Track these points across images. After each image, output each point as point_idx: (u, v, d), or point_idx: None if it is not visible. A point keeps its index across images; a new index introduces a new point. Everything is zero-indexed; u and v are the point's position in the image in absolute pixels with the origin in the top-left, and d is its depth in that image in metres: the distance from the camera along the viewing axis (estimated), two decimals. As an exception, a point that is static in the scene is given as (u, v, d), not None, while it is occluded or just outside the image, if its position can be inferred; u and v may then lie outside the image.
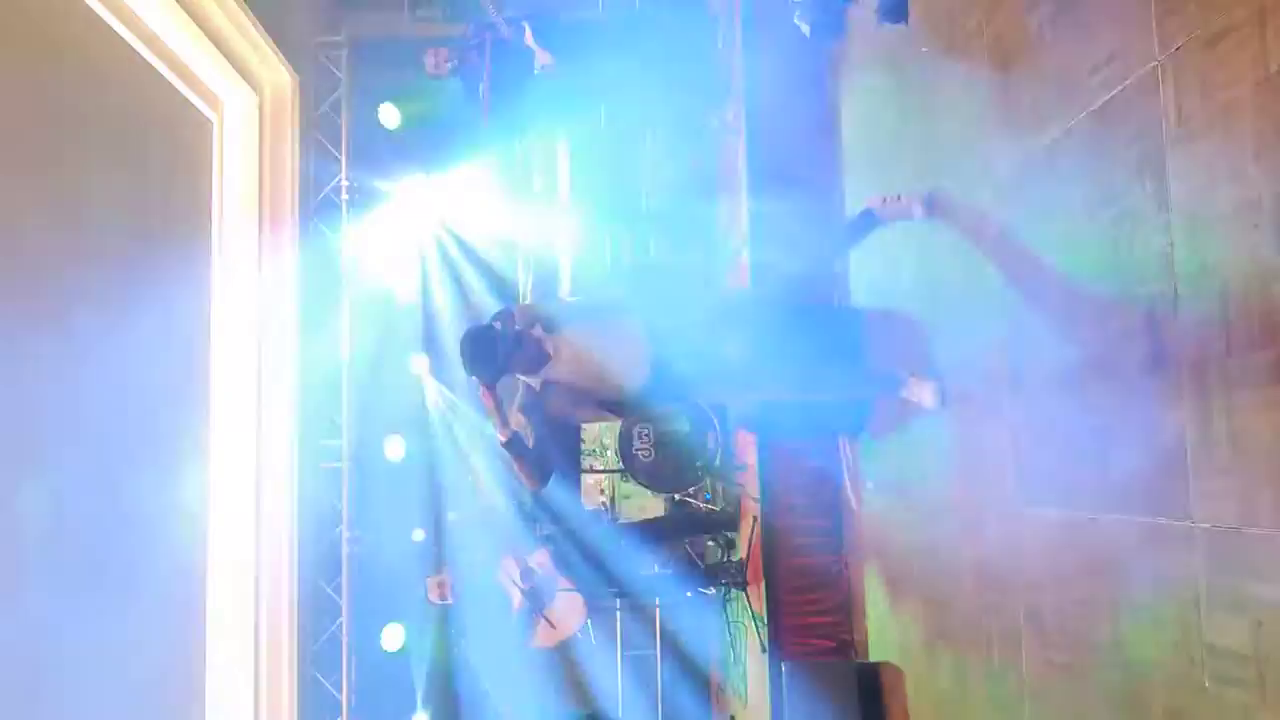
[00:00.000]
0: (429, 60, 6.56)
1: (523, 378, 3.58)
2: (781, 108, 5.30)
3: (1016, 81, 3.10)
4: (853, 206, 4.74)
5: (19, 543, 4.75)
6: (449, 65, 6.52)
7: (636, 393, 3.61)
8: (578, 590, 5.51)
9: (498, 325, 3.47)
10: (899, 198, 3.72)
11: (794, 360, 3.91)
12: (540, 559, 5.54)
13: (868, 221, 3.86)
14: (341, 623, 7.91)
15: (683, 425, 6.48)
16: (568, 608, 5.49)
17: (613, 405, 3.68)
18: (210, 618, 6.74)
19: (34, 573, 4.84)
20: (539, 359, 3.52)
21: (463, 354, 3.40)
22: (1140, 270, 2.45)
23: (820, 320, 4.77)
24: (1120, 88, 2.52)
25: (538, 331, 3.55)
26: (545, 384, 3.56)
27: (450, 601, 5.62)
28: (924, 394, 3.72)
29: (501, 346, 3.40)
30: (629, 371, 3.57)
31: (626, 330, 3.61)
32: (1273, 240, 2.01)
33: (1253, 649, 2.09)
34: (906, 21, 4.65)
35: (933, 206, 3.67)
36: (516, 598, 5.44)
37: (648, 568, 7.14)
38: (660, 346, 3.59)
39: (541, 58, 6.29)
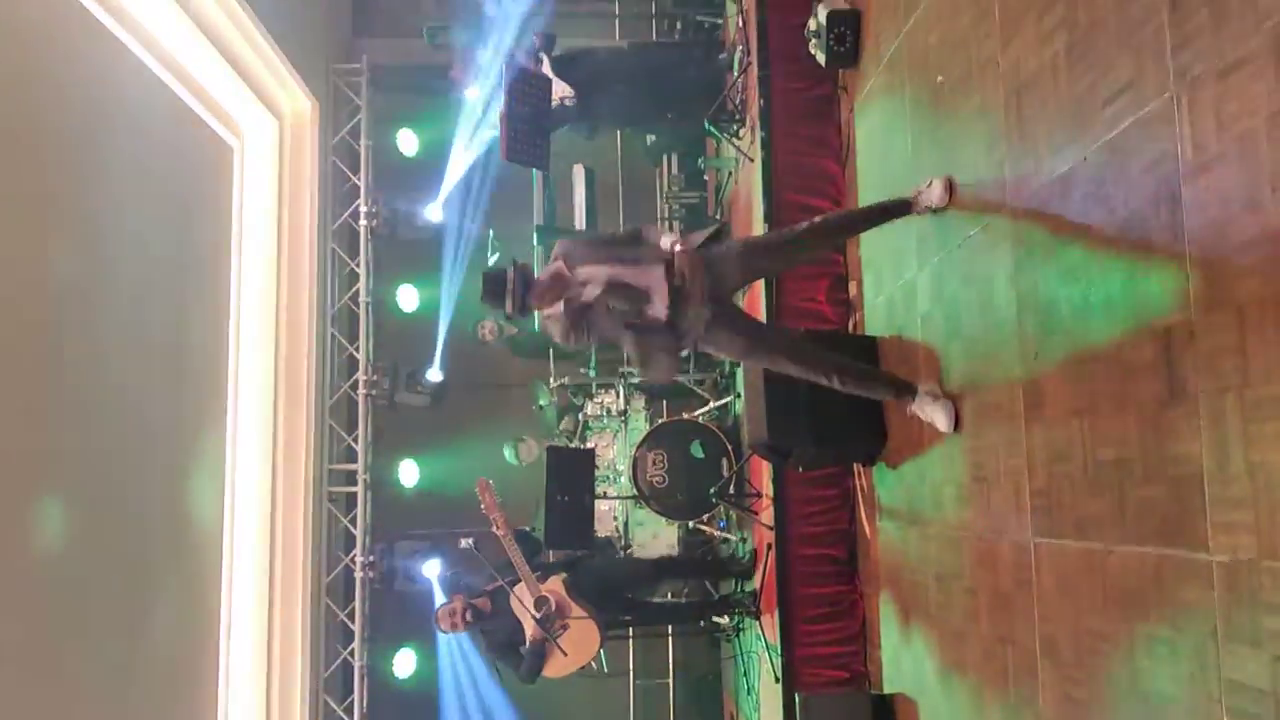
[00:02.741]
0: (455, 71, 6.62)
1: (543, 311, 3.75)
2: (796, 135, 5.32)
3: (1031, 110, 3.11)
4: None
5: (36, 560, 4.78)
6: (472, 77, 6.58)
7: (661, 323, 3.65)
8: (591, 619, 5.48)
9: (509, 268, 3.68)
10: (929, 183, 3.75)
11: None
12: (553, 587, 5.52)
13: (893, 205, 3.91)
14: (354, 648, 7.90)
15: (697, 451, 6.47)
16: (581, 636, 5.46)
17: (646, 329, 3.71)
18: (224, 640, 6.75)
19: (49, 590, 4.86)
20: (556, 290, 3.69)
21: (482, 291, 3.72)
22: (1157, 300, 2.44)
23: (834, 341, 4.78)
24: (1135, 118, 2.52)
25: (558, 265, 3.71)
26: (566, 304, 3.68)
27: (462, 630, 5.60)
28: (936, 416, 3.72)
29: (513, 284, 3.65)
30: (652, 300, 3.63)
31: (648, 268, 3.67)
32: (1289, 271, 2.00)
33: (1271, 684, 2.06)
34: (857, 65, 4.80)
35: (950, 196, 3.69)
36: (530, 627, 5.41)
37: (662, 596, 7.11)
38: (676, 292, 3.63)
39: (559, 89, 6.34)
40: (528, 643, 5.45)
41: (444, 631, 5.72)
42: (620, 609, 6.17)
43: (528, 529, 6.37)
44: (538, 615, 5.35)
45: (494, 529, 5.42)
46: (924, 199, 3.80)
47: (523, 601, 5.40)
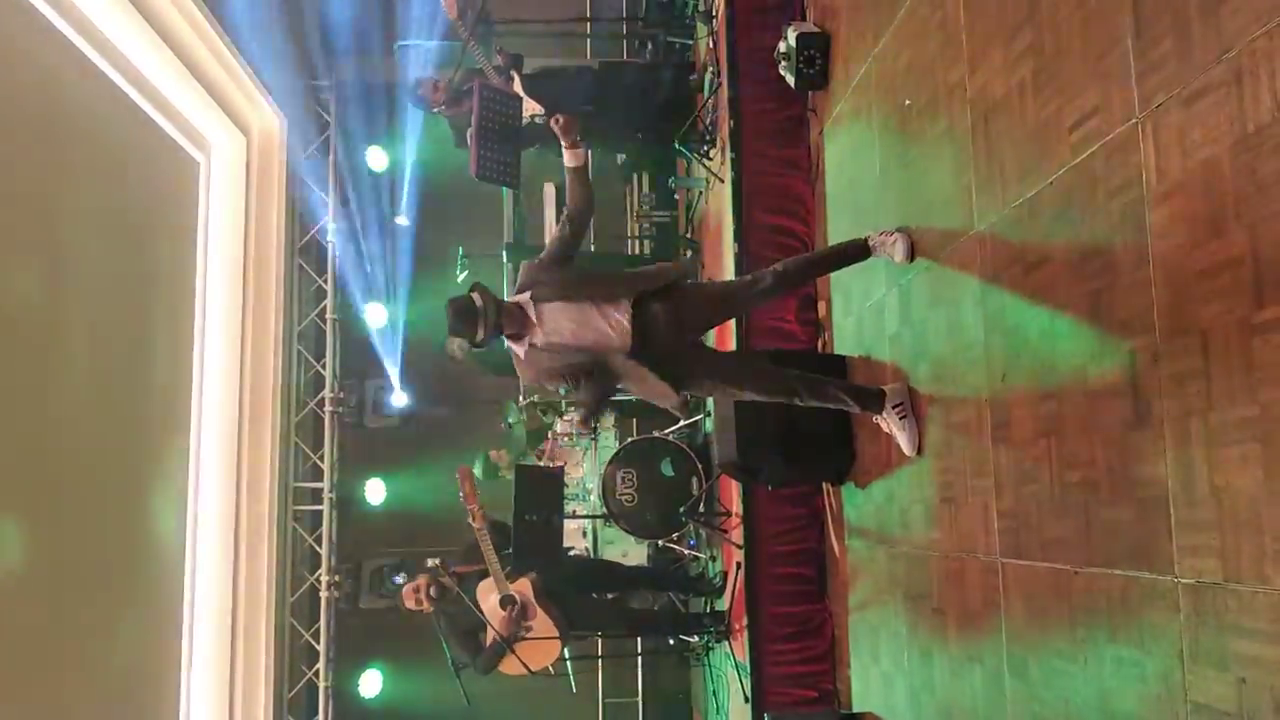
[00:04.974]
0: (423, 89, 6.57)
1: (510, 345, 3.72)
2: (766, 156, 5.35)
3: (998, 134, 3.14)
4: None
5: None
6: (442, 97, 6.52)
7: (618, 359, 3.64)
8: (557, 635, 5.44)
9: (476, 295, 3.59)
10: (892, 233, 3.77)
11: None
12: (522, 587, 5.45)
13: (857, 249, 3.92)
14: (319, 669, 7.81)
15: (667, 469, 6.45)
16: (542, 644, 5.41)
17: (591, 369, 3.70)
18: (185, 660, 6.65)
19: (3, 611, 4.77)
20: (519, 323, 3.65)
21: (448, 319, 3.60)
22: (1122, 324, 2.47)
23: (802, 357, 4.80)
24: (1101, 143, 2.55)
25: (524, 298, 3.66)
26: (530, 349, 3.67)
27: (426, 607, 5.48)
28: (900, 437, 3.75)
29: (483, 309, 3.56)
30: (611, 341, 3.62)
31: (614, 307, 3.65)
32: (1252, 297, 2.03)
33: (1237, 706, 2.08)
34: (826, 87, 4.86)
35: (911, 257, 3.72)
36: (491, 630, 5.34)
37: (631, 611, 7.07)
38: (647, 322, 3.63)
39: (530, 106, 6.33)
40: (488, 641, 5.38)
41: (409, 609, 5.60)
42: (590, 610, 6.12)
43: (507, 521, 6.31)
44: (501, 631, 5.28)
45: (470, 520, 5.34)
46: (884, 250, 3.84)
47: (483, 613, 5.33)
